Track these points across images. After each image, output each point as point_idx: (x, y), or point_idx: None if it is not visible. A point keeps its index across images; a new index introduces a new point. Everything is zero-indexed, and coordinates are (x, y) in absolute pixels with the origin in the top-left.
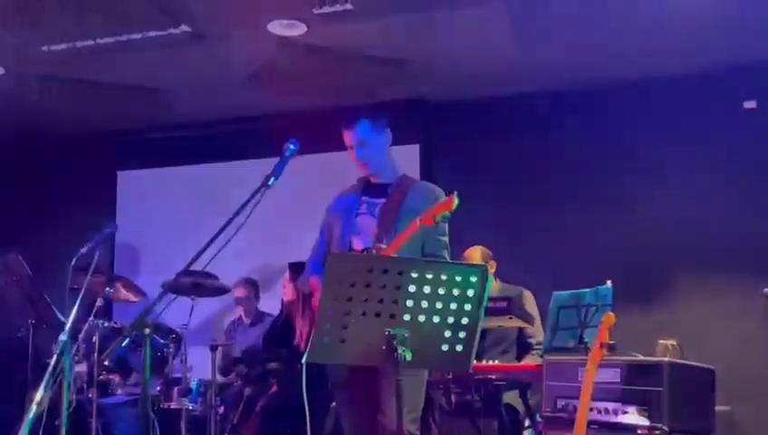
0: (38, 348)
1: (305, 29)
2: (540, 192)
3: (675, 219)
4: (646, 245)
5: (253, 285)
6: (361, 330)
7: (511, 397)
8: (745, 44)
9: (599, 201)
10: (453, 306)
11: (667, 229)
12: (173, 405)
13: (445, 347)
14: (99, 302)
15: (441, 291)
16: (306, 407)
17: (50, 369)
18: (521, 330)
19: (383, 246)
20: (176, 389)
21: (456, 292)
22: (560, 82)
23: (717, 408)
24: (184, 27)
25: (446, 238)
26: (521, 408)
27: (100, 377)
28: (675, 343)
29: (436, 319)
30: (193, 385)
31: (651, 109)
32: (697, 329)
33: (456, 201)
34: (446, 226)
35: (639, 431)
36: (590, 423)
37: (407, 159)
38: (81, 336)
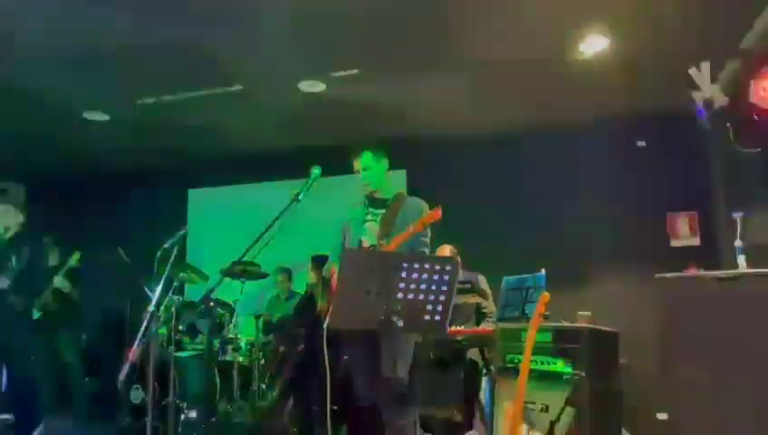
0: (133, 316)
1: (325, 87)
2: (495, 205)
3: (589, 227)
4: (569, 245)
5: (287, 272)
6: (367, 304)
7: (473, 353)
8: (637, 96)
9: (537, 213)
10: (433, 288)
11: (583, 234)
12: (228, 358)
13: (427, 317)
14: (175, 283)
15: (425, 277)
16: (326, 359)
17: (141, 331)
18: (478, 304)
19: (384, 243)
20: (230, 346)
21: (435, 277)
22: (504, 127)
23: (621, 360)
24: (237, 86)
25: (427, 239)
26: (480, 361)
27: (176, 337)
28: (590, 313)
29: (421, 296)
30: (242, 344)
31: (571, 146)
32: (606, 304)
33: (440, 213)
34: (429, 229)
35: (565, 377)
36: (530, 372)
37: (397, 179)
38: (162, 308)
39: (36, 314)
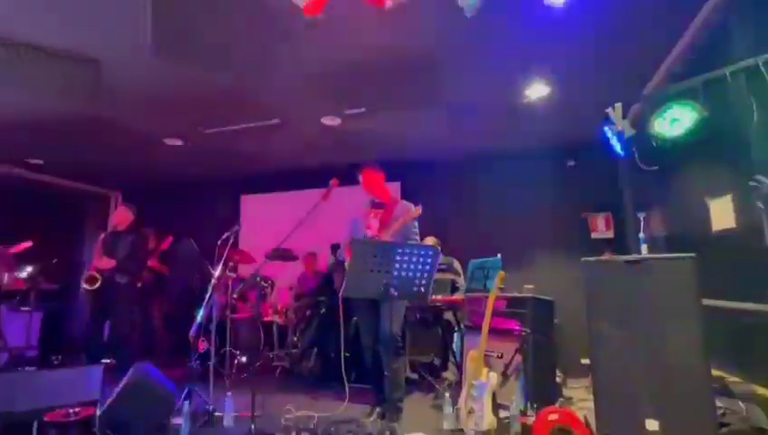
0: (200, 288)
1: (340, 121)
2: (465, 207)
3: (533, 223)
4: (518, 236)
5: (313, 256)
6: (371, 279)
7: (448, 315)
8: (568, 129)
9: (495, 213)
10: (419, 267)
11: (529, 228)
12: (269, 319)
13: (415, 289)
14: (231, 263)
15: (414, 259)
16: (341, 321)
17: (206, 299)
18: (452, 280)
19: (383, 235)
20: (270, 309)
21: (422, 260)
22: (471, 150)
23: (555, 321)
24: (276, 120)
25: (416, 230)
26: (453, 321)
27: (232, 303)
28: (533, 287)
29: (411, 274)
30: (280, 308)
31: (520, 164)
32: (545, 279)
33: (420, 211)
34: (417, 223)
35: (516, 332)
36: (490, 329)
37: (392, 188)
38: (221, 282)
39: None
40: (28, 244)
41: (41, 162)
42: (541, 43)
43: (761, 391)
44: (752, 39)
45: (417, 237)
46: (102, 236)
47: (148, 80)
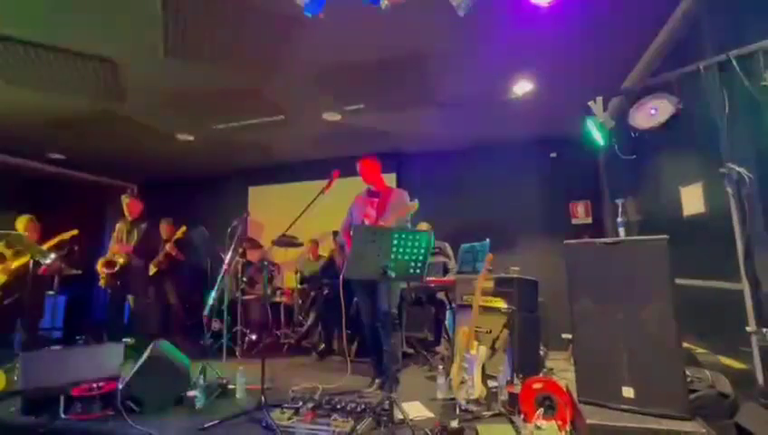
0: (213, 272)
1: (340, 117)
2: (456, 195)
3: (519, 210)
4: (505, 222)
5: (315, 242)
6: (370, 262)
7: (441, 295)
8: (551, 122)
9: (484, 201)
10: (414, 251)
11: (515, 215)
12: (276, 300)
13: (411, 270)
14: (240, 249)
15: (409, 244)
16: (342, 300)
17: (218, 282)
18: (444, 262)
19: (381, 221)
20: (278, 291)
21: (416, 244)
22: (462, 143)
23: (539, 299)
24: (281, 116)
25: (409, 217)
26: (445, 300)
27: (241, 286)
28: (519, 268)
29: (407, 257)
30: (286, 290)
31: (507, 156)
32: (530, 261)
33: (417, 205)
34: (410, 214)
35: (503, 310)
36: (479, 307)
37: (388, 179)
38: (231, 266)
39: (152, 270)
40: (74, 232)
41: (63, 157)
42: (526, 41)
43: (725, 361)
44: (723, 34)
45: (409, 224)
46: (118, 225)
47: (161, 79)
